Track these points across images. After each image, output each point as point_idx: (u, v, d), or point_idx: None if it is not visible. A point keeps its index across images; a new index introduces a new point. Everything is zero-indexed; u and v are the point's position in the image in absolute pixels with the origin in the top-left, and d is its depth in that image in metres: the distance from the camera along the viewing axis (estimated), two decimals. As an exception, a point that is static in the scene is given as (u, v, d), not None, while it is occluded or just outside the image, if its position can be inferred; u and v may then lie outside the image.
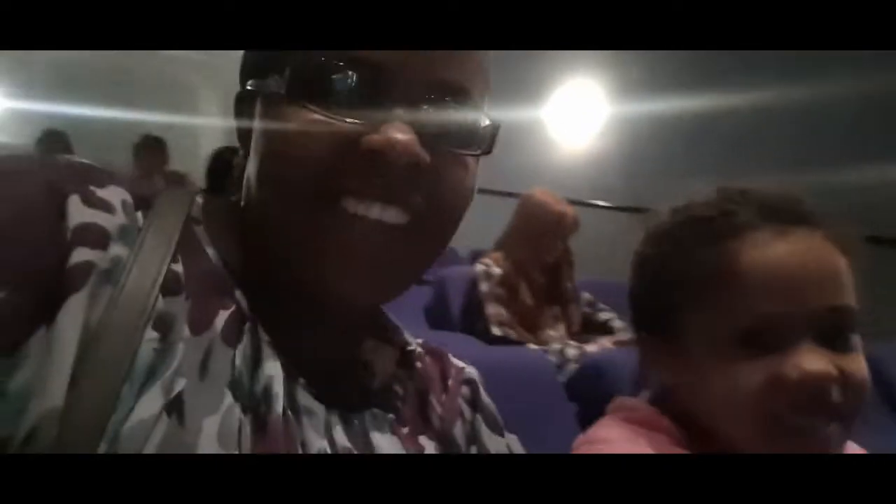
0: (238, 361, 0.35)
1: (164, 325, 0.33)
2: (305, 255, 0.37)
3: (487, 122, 0.41)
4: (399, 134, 0.35)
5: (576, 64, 4.14)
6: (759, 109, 3.08)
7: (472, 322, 1.90)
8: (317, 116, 0.36)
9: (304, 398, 0.39)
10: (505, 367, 1.11)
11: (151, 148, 3.61)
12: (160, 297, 0.33)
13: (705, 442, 0.52)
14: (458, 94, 0.39)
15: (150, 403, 0.30)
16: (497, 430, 0.52)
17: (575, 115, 4.29)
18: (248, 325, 0.37)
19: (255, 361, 0.36)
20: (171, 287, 0.34)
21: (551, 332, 1.96)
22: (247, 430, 0.33)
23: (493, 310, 1.88)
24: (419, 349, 0.52)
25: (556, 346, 1.78)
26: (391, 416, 0.44)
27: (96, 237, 0.32)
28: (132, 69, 4.42)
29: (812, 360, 0.47)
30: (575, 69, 4.21)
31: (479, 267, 1.96)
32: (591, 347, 1.77)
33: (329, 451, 0.38)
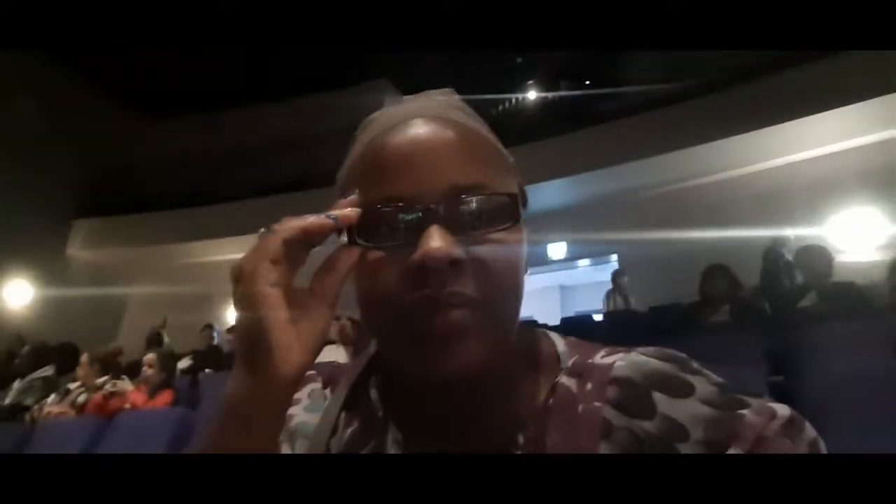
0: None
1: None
2: (402, 347, 0.45)
3: (514, 191, 0.46)
4: (434, 242, 0.41)
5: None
6: None
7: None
8: (374, 253, 0.44)
9: None
10: None
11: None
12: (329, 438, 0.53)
13: None
14: (475, 190, 0.44)
15: None
16: (673, 436, 0.42)
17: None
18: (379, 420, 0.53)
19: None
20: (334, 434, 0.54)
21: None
22: None
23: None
24: (565, 377, 0.48)
25: None
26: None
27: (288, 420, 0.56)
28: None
29: None
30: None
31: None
32: None
33: None
